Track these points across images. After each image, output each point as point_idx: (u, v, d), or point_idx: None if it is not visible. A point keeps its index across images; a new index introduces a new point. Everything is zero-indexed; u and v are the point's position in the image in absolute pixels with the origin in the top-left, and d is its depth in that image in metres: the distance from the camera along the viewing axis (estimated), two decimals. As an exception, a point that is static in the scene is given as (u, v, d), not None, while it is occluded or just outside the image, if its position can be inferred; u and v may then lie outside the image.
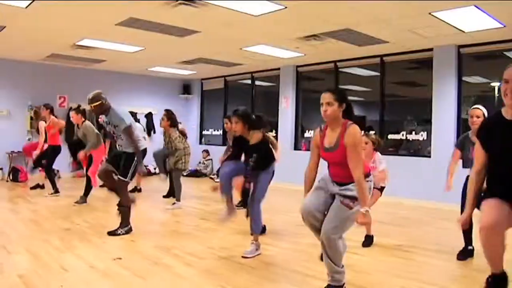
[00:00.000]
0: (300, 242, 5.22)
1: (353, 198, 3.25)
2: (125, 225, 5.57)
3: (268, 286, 3.86)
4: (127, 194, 5.69)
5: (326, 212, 3.37)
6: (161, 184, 8.19)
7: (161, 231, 5.98)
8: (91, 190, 7.89)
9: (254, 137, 4.74)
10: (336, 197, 3.36)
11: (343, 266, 3.37)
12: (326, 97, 3.30)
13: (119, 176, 5.53)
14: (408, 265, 4.53)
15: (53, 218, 6.52)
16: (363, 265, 4.40)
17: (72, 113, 8.15)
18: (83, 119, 7.94)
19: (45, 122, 8.58)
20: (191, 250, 4.88)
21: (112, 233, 5.46)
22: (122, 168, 5.54)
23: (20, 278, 3.76)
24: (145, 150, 5.80)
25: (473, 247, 4.58)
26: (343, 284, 3.39)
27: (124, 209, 5.60)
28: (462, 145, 4.72)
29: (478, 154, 3.11)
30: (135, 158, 5.57)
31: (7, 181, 10.83)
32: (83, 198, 7.76)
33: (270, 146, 5.17)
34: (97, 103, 5.50)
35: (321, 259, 3.44)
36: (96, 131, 7.95)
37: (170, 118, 7.75)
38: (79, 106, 8.32)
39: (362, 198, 3.18)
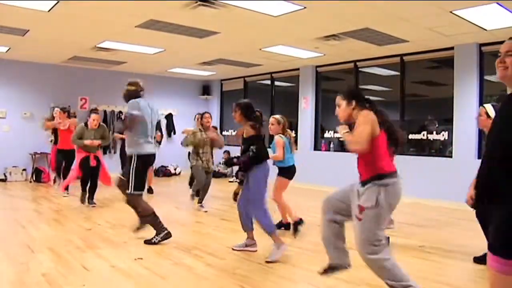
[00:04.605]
0: (320, 243, 5.16)
1: (360, 207, 3.05)
2: (159, 232, 5.14)
3: (288, 287, 3.86)
4: (142, 204, 5.18)
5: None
6: (180, 185, 8.16)
7: (182, 232, 6.01)
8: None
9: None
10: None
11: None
12: None
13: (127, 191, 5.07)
14: (429, 266, 4.48)
15: (75, 218, 6.62)
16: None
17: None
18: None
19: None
20: (212, 250, 4.90)
21: (148, 242, 5.09)
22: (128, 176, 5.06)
23: (44, 276, 3.83)
24: (147, 156, 5.14)
25: None
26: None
27: (146, 219, 5.20)
28: None
29: None
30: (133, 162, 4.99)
31: (30, 181, 11.01)
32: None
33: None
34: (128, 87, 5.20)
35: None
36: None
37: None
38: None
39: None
